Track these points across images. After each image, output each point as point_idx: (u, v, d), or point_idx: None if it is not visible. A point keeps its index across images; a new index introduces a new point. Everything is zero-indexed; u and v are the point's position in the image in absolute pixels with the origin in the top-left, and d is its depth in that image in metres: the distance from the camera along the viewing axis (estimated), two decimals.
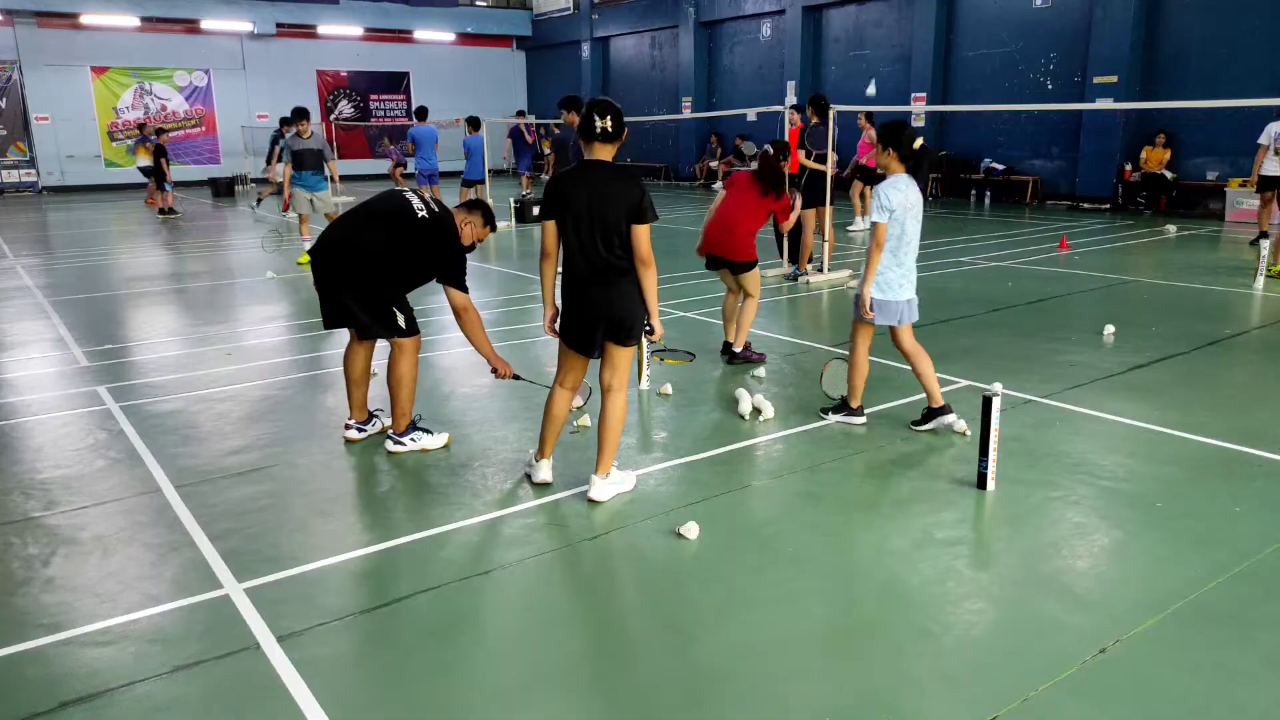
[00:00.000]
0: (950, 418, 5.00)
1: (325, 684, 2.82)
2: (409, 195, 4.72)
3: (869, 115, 14.08)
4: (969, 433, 4.87)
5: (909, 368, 5.02)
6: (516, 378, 4.94)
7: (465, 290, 4.62)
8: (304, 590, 3.41)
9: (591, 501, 4.13)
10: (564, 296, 4.09)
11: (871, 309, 4.89)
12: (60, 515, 4.11)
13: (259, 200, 19.67)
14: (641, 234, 3.90)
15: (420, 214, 4.62)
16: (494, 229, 4.90)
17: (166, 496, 4.29)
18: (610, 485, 4.18)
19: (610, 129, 3.92)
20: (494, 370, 4.87)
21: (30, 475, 4.60)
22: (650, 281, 3.99)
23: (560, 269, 4.08)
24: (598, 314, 4.00)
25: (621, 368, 4.12)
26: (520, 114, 22.37)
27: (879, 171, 4.91)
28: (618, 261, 3.94)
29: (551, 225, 4.01)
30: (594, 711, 2.69)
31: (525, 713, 2.69)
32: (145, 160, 20.58)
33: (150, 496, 4.30)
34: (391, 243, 4.59)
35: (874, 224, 4.77)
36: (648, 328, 4.10)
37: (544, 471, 4.35)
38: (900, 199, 4.76)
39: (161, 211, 18.06)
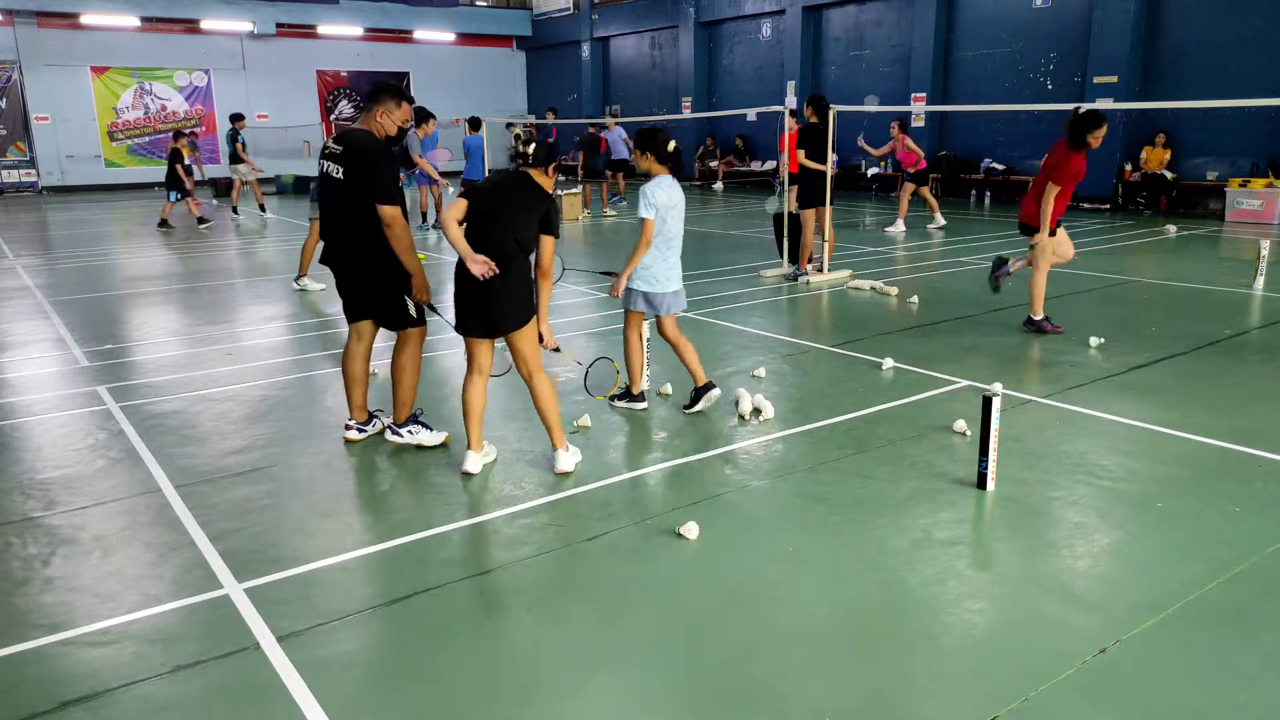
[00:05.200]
0: (715, 392, 5.42)
1: (325, 684, 2.82)
2: (326, 167, 4.64)
3: (903, 124, 14.19)
4: (969, 433, 4.87)
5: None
6: (432, 308, 4.91)
7: (395, 203, 4.53)
8: (304, 590, 3.41)
9: (561, 474, 4.45)
10: (457, 283, 4.40)
11: (632, 296, 5.32)
12: (60, 515, 4.11)
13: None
14: (547, 245, 4.35)
15: (339, 174, 4.56)
16: (411, 101, 4.82)
17: (166, 496, 4.29)
18: (570, 457, 4.53)
19: (529, 154, 4.43)
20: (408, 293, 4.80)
21: (30, 475, 4.60)
22: (545, 292, 4.45)
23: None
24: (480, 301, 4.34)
25: (526, 353, 4.43)
26: (551, 111, 22.63)
27: (641, 171, 5.30)
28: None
29: (461, 202, 4.39)
30: (593, 712, 2.70)
31: (524, 713, 2.69)
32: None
33: (150, 496, 4.30)
34: (342, 213, 4.60)
35: (642, 220, 5.13)
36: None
37: (470, 462, 4.50)
38: (664, 198, 5.13)
39: (163, 223, 16.50)
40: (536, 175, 4.42)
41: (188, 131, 18.34)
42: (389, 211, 4.47)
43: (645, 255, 5.19)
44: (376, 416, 5.10)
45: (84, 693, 2.80)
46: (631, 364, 5.48)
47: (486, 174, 15.48)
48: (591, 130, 18.65)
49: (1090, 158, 6.96)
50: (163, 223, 16.42)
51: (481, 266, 4.21)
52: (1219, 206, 15.13)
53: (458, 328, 4.47)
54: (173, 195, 16.48)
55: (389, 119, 4.65)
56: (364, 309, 4.86)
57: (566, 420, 5.20)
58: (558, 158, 4.55)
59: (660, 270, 5.24)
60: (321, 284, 9.72)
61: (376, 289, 4.74)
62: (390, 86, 4.74)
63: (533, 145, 4.50)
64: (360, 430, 5.03)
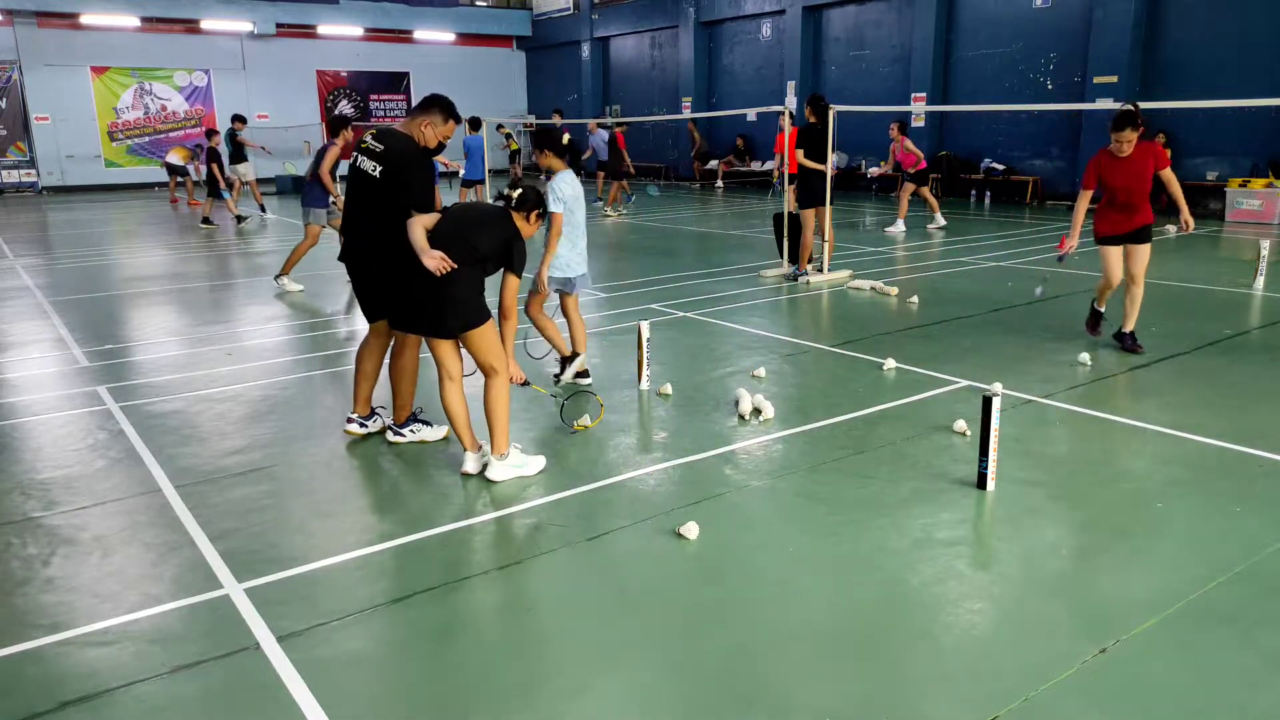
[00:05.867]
0: (578, 360, 6.00)
1: (325, 684, 2.82)
2: (360, 162, 4.66)
3: (902, 126, 14.20)
4: (969, 433, 4.87)
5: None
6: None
7: (429, 211, 4.55)
8: (304, 590, 3.41)
9: (489, 482, 4.34)
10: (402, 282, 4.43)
11: (551, 285, 5.80)
12: (60, 515, 4.11)
13: None
14: (509, 284, 4.36)
15: (376, 173, 4.58)
16: (458, 120, 4.82)
17: (166, 496, 4.29)
18: (509, 467, 4.39)
19: (514, 198, 4.45)
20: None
21: (30, 475, 4.60)
22: (509, 332, 4.49)
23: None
24: (423, 300, 4.36)
25: (481, 356, 4.37)
26: (557, 112, 22.83)
27: (547, 171, 5.70)
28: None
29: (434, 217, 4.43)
30: (594, 712, 2.70)
31: (525, 713, 2.69)
32: (177, 159, 20.57)
33: (150, 496, 4.31)
34: (374, 211, 4.61)
35: (551, 214, 5.50)
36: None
37: (468, 463, 4.50)
38: (570, 191, 5.63)
39: (206, 221, 16.42)
40: (518, 219, 4.44)
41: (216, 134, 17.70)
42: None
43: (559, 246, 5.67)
44: (378, 414, 5.12)
45: (84, 693, 2.80)
46: (549, 334, 5.95)
47: (486, 174, 15.53)
48: (618, 131, 18.67)
49: (1091, 157, 6.83)
50: (239, 219, 16.55)
51: (434, 260, 4.20)
52: (1219, 206, 15.12)
53: (392, 323, 4.60)
54: (225, 193, 16.55)
55: (432, 130, 4.66)
56: (382, 308, 4.85)
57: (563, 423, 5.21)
58: (543, 205, 4.54)
59: (572, 257, 5.79)
60: (300, 285, 9.82)
61: (388, 288, 4.73)
62: (444, 101, 4.73)
63: (519, 190, 4.45)
64: (361, 424, 5.06)
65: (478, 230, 4.36)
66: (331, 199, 9.84)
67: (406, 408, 4.93)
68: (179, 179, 21.32)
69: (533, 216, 4.47)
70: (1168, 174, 6.36)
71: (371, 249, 4.69)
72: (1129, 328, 6.61)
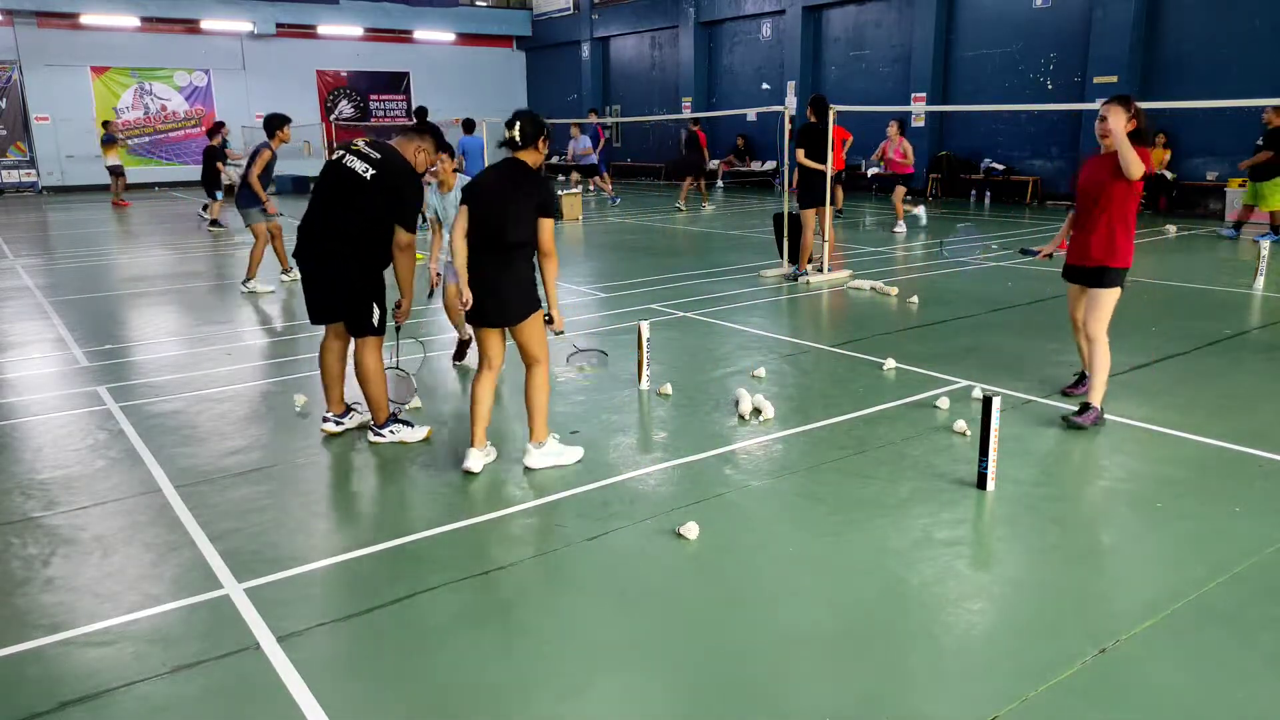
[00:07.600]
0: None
1: (325, 684, 2.82)
2: (347, 160, 4.67)
3: (901, 125, 14.18)
4: (969, 433, 4.87)
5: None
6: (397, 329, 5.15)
7: (414, 231, 4.69)
8: (304, 590, 3.41)
9: (526, 469, 4.38)
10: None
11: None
12: (60, 515, 4.11)
13: None
14: (545, 227, 4.27)
15: (367, 174, 4.62)
16: (451, 154, 5.02)
17: (166, 496, 4.29)
18: (545, 455, 4.42)
19: (517, 138, 4.30)
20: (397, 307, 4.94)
21: (30, 475, 4.60)
22: (550, 272, 4.38)
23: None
24: (486, 289, 4.34)
25: (530, 346, 4.39)
26: (593, 112, 22.92)
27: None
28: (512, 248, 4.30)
29: (464, 210, 4.36)
30: (594, 712, 2.70)
31: (524, 713, 2.69)
32: (114, 159, 20.52)
33: (150, 496, 4.30)
34: (356, 211, 4.64)
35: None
36: (547, 318, 4.46)
37: (471, 460, 4.47)
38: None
39: (214, 224, 16.13)
40: (527, 156, 4.33)
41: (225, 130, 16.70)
42: (407, 238, 4.64)
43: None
44: (354, 410, 5.16)
45: (84, 693, 2.80)
46: (456, 319, 6.50)
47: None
48: (694, 128, 18.65)
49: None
50: (214, 222, 16.14)
51: (467, 294, 4.31)
52: (1219, 206, 15.12)
53: (469, 316, 4.43)
54: (219, 194, 16.09)
55: (422, 156, 4.84)
56: (337, 310, 4.86)
57: (565, 424, 5.21)
58: (546, 128, 4.39)
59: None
60: (271, 286, 9.86)
61: (357, 292, 4.77)
62: (438, 130, 4.95)
63: (517, 124, 4.29)
64: (337, 423, 5.10)
65: (508, 205, 4.24)
66: (261, 202, 9.86)
67: (383, 408, 4.94)
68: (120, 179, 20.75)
69: (541, 143, 4.34)
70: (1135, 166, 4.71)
71: (349, 247, 4.66)
72: (1092, 398, 4.98)
